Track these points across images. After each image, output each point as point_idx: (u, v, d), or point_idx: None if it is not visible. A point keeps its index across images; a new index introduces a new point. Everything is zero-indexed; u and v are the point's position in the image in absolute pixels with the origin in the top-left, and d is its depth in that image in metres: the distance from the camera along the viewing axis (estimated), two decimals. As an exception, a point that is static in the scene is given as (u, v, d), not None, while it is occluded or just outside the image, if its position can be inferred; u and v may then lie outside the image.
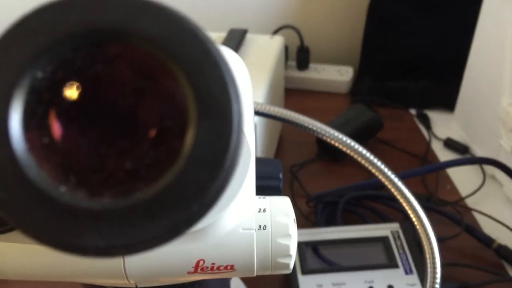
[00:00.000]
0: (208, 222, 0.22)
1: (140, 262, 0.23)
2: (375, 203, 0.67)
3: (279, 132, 0.76)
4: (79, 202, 0.15)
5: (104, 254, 0.16)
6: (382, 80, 0.88)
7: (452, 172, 0.74)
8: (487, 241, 0.62)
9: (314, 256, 0.58)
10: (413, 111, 0.89)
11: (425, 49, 0.86)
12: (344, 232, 0.62)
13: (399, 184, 0.40)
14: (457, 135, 0.80)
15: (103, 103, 0.17)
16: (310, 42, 0.94)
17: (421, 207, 0.40)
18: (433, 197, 0.69)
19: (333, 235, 0.60)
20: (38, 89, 0.15)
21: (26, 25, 0.16)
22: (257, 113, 0.37)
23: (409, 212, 0.40)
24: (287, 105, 0.82)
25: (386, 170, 0.40)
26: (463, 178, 0.73)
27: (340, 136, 0.41)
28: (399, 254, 0.58)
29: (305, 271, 0.53)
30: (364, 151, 0.41)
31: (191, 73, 0.16)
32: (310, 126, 0.42)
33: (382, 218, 0.65)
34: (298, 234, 0.25)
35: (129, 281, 0.24)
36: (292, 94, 0.90)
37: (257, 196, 0.28)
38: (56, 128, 0.16)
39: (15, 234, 0.22)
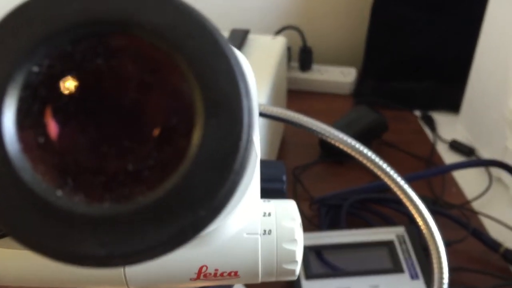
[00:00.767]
0: (212, 227, 0.21)
1: (141, 269, 0.22)
2: (379, 206, 0.66)
3: (281, 133, 0.75)
4: (77, 207, 0.14)
5: (104, 264, 0.15)
6: (385, 81, 0.87)
7: (458, 174, 0.73)
8: (493, 245, 0.61)
9: (317, 261, 0.57)
10: (417, 113, 0.88)
11: (429, 49, 0.86)
12: (348, 236, 0.61)
13: (406, 187, 0.39)
14: (462, 137, 0.79)
15: (104, 100, 0.16)
16: (312, 43, 0.93)
17: (428, 211, 0.39)
18: (439, 200, 0.67)
19: (337, 239, 0.59)
20: (34, 84, 0.15)
21: (21, 14, 0.15)
22: (259, 114, 0.36)
23: (416, 215, 0.39)
24: (289, 107, 0.81)
25: (392, 172, 0.39)
26: (468, 181, 0.72)
27: (345, 137, 0.40)
28: (405, 258, 0.57)
29: (308, 276, 0.52)
30: (370, 153, 0.40)
31: (198, 66, 0.15)
32: (314, 128, 0.41)
33: (386, 222, 0.64)
34: (301, 238, 0.24)
35: (129, 288, 0.22)
36: (294, 95, 0.89)
37: (262, 200, 0.27)
38: (53, 127, 0.15)
39: (10, 239, 0.21)
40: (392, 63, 0.88)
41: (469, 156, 0.77)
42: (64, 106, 0.16)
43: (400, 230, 0.61)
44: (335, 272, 0.57)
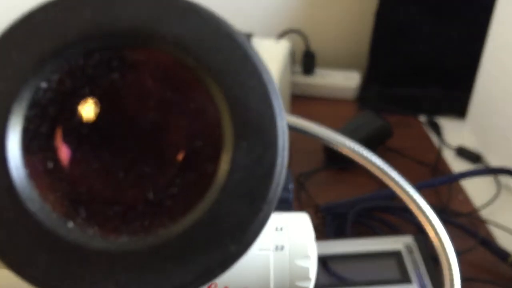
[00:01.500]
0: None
1: None
2: (386, 214, 0.64)
3: (285, 140, 0.73)
4: (90, 241, 0.13)
5: None
6: (390, 86, 0.86)
7: (464, 181, 0.72)
8: (503, 255, 0.60)
9: (323, 271, 0.56)
10: (422, 119, 0.87)
11: (435, 54, 0.85)
12: (354, 245, 0.60)
13: (416, 196, 0.38)
14: (469, 143, 0.78)
15: (121, 120, 0.15)
16: (315, 47, 0.92)
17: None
18: (446, 209, 0.66)
19: (343, 248, 0.58)
20: (42, 102, 0.14)
21: (28, 24, 0.14)
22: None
23: (426, 225, 0.37)
24: (292, 112, 0.80)
25: (401, 180, 0.38)
26: (475, 188, 0.70)
27: (351, 144, 0.39)
28: (413, 269, 0.56)
29: (314, 287, 0.50)
30: (377, 160, 0.39)
31: (226, 83, 0.14)
32: (318, 134, 0.40)
33: (393, 231, 0.63)
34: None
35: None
36: (297, 100, 0.88)
37: (273, 213, 0.26)
38: (63, 151, 0.14)
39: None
40: (397, 68, 0.87)
41: (476, 162, 0.76)
42: (76, 127, 0.14)
43: (408, 239, 0.60)
44: (341, 282, 0.56)
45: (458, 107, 0.80)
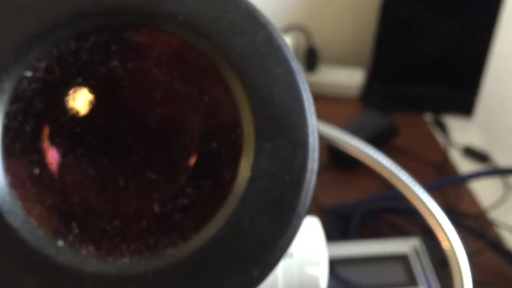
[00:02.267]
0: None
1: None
2: (392, 215, 0.63)
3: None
4: (84, 263, 0.12)
5: None
6: (394, 83, 0.85)
7: (472, 181, 0.70)
8: (512, 258, 0.58)
9: (329, 275, 0.54)
10: (428, 117, 0.86)
11: (441, 51, 0.83)
12: (359, 247, 0.59)
13: (425, 197, 0.37)
14: (476, 142, 0.77)
15: (121, 116, 0.13)
16: (318, 43, 0.91)
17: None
18: (454, 210, 0.64)
19: (349, 250, 0.57)
20: (26, 95, 0.12)
21: (9, 0, 0.12)
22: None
23: (435, 227, 0.37)
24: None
25: (409, 181, 0.37)
26: (482, 188, 0.69)
27: (357, 143, 0.38)
28: (420, 272, 0.54)
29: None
30: (384, 160, 0.37)
31: (247, 71, 0.12)
32: (323, 133, 0.39)
33: (400, 232, 0.61)
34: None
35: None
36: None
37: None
38: (52, 154, 0.12)
39: None
40: (402, 65, 0.85)
41: (483, 162, 0.74)
42: (67, 125, 0.12)
43: (415, 241, 0.59)
44: (346, 286, 0.54)
45: (465, 106, 0.80)
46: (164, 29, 0.12)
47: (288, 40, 0.73)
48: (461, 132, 0.79)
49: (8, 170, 0.12)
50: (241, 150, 0.12)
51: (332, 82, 0.91)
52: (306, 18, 0.97)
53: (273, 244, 0.12)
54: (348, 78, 0.91)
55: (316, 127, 0.12)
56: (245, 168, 0.12)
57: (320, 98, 0.93)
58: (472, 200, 0.66)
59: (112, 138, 0.13)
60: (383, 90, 0.86)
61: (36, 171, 0.12)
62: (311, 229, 0.23)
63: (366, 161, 0.37)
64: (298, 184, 0.12)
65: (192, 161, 0.13)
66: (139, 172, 0.13)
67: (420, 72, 0.85)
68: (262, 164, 0.12)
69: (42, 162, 0.12)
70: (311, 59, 0.91)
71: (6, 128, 0.12)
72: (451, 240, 0.36)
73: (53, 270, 0.11)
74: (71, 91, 0.12)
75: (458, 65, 0.83)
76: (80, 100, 0.12)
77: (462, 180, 0.64)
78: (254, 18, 0.12)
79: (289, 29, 0.91)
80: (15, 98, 0.12)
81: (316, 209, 0.65)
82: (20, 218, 0.11)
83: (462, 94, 0.81)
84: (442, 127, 0.79)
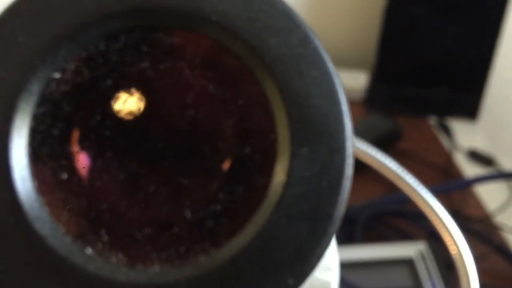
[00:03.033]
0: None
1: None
2: (397, 219, 0.62)
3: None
4: (114, 272, 0.11)
5: None
6: (399, 86, 0.84)
7: (477, 185, 0.70)
8: (519, 263, 0.58)
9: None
10: (432, 120, 0.85)
11: (445, 53, 0.83)
12: (364, 251, 0.58)
13: (432, 201, 0.37)
14: (481, 146, 0.77)
15: (152, 120, 0.12)
16: (322, 45, 0.90)
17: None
18: (459, 214, 0.64)
19: (354, 254, 0.56)
20: (54, 97, 0.12)
21: (37, 0, 0.11)
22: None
23: (442, 232, 0.36)
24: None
25: (417, 185, 0.37)
26: (488, 192, 0.69)
27: (365, 146, 0.38)
28: (426, 277, 0.54)
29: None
30: (392, 164, 0.37)
31: (282, 73, 0.12)
32: None
33: (405, 236, 0.61)
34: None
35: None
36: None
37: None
38: (81, 158, 0.12)
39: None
40: (405, 68, 0.85)
41: (488, 166, 0.74)
42: (97, 129, 0.12)
43: (421, 245, 0.58)
44: (353, 292, 0.54)
45: (469, 109, 0.79)
46: (197, 29, 0.12)
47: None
48: (465, 135, 0.79)
49: (36, 175, 0.11)
50: (276, 155, 0.12)
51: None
52: (310, 21, 0.96)
53: (309, 252, 0.11)
54: (352, 81, 0.91)
55: (352, 132, 0.12)
56: (280, 173, 0.11)
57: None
58: (477, 204, 0.65)
59: (143, 142, 0.12)
60: (387, 93, 0.85)
61: (64, 176, 0.12)
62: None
63: (373, 164, 0.37)
64: (335, 191, 0.12)
65: (225, 166, 0.12)
66: (170, 178, 0.12)
67: (425, 75, 0.85)
68: (298, 169, 0.11)
69: (70, 167, 0.12)
70: (315, 62, 0.90)
71: (33, 132, 0.11)
72: (458, 244, 0.35)
73: (82, 279, 0.11)
74: (100, 94, 0.12)
75: (463, 68, 0.82)
76: (110, 103, 0.12)
77: (467, 184, 0.64)
78: (289, 18, 0.12)
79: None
80: (43, 101, 0.11)
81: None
82: (47, 225, 0.11)
83: (467, 97, 0.81)
84: (447, 130, 0.78)
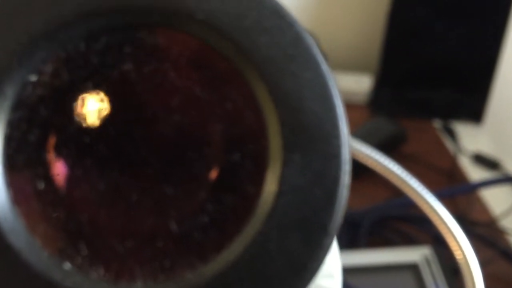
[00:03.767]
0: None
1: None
2: (402, 224, 0.62)
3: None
4: None
5: None
6: (403, 89, 0.84)
7: (482, 189, 0.69)
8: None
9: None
10: (436, 123, 0.85)
11: (450, 56, 0.83)
12: (369, 256, 0.58)
13: (437, 205, 0.36)
14: (486, 149, 0.76)
15: (134, 125, 0.12)
16: (326, 49, 0.90)
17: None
18: (464, 218, 0.64)
19: (357, 259, 0.56)
20: (30, 101, 0.11)
21: None
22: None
23: (448, 237, 0.36)
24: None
25: (421, 189, 0.37)
26: (493, 196, 0.68)
27: (369, 150, 0.37)
28: (431, 282, 0.54)
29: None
30: (396, 168, 0.37)
31: (273, 75, 0.11)
32: None
33: (409, 241, 0.60)
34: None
35: None
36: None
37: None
38: (58, 166, 0.11)
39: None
40: (410, 70, 0.85)
41: (494, 169, 0.73)
42: (76, 135, 0.11)
43: (425, 250, 0.58)
44: (357, 297, 0.54)
45: (474, 111, 0.79)
46: (182, 28, 0.11)
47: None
48: (470, 138, 0.78)
49: (11, 184, 0.11)
50: (267, 163, 0.11)
51: (340, 88, 0.89)
52: (313, 24, 0.96)
53: (303, 266, 0.11)
54: (356, 84, 0.90)
55: (348, 137, 0.11)
56: (272, 182, 0.11)
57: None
58: (482, 208, 0.65)
59: (125, 149, 0.12)
60: (392, 96, 0.85)
61: (41, 185, 0.11)
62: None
63: (377, 168, 0.37)
64: (330, 200, 0.11)
65: (213, 174, 0.12)
66: (155, 187, 0.12)
67: (429, 77, 0.84)
68: (290, 177, 0.11)
69: (47, 176, 0.11)
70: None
71: (8, 138, 0.11)
72: (464, 249, 0.35)
73: None
74: (80, 97, 0.12)
75: (468, 71, 0.82)
76: (90, 107, 0.12)
77: (473, 188, 0.63)
78: (280, 17, 0.11)
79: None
80: (19, 105, 0.11)
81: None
82: (23, 238, 0.11)
83: (472, 100, 0.81)
84: (451, 134, 0.78)
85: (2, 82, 0.11)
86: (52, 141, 0.11)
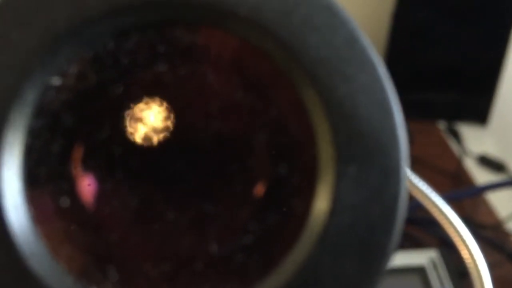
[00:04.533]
0: None
1: None
2: (408, 226, 0.61)
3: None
4: None
5: None
6: (407, 91, 0.83)
7: (488, 192, 0.69)
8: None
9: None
10: (441, 125, 0.85)
11: (455, 57, 0.83)
12: None
13: (446, 208, 0.36)
14: (492, 151, 0.76)
15: (170, 134, 0.11)
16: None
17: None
18: (471, 221, 0.63)
19: None
20: (53, 107, 0.10)
21: None
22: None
23: (456, 240, 0.35)
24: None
25: (429, 191, 0.36)
26: (499, 198, 0.68)
27: None
28: (438, 285, 0.53)
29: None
30: None
31: (324, 78, 0.10)
32: None
33: (416, 244, 0.60)
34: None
35: None
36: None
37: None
38: (85, 181, 0.11)
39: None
40: (415, 72, 0.84)
41: (499, 171, 0.73)
42: (104, 146, 0.10)
43: (432, 253, 0.58)
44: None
45: (479, 113, 0.79)
46: (222, 26, 0.10)
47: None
48: (475, 140, 0.78)
49: (31, 201, 0.10)
50: (317, 176, 0.10)
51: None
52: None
53: None
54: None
55: (407, 148, 0.11)
56: (323, 198, 0.10)
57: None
58: (488, 210, 0.64)
59: (160, 162, 0.11)
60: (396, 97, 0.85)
61: (66, 202, 0.11)
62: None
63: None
64: (389, 219, 0.10)
65: (258, 190, 0.11)
66: (192, 204, 0.11)
67: (434, 79, 0.84)
68: (345, 193, 0.10)
69: (72, 191, 0.11)
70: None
71: (29, 149, 0.10)
72: (472, 252, 0.35)
73: None
74: (109, 102, 0.10)
75: (473, 72, 0.82)
76: (121, 116, 0.11)
77: (479, 191, 0.63)
78: (332, 14, 0.10)
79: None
80: (40, 111, 0.10)
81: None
82: (45, 262, 0.10)
83: (477, 102, 0.81)
84: (456, 136, 0.78)
85: (22, 86, 0.10)
86: (78, 152, 0.10)
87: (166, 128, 0.10)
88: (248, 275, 0.10)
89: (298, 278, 0.10)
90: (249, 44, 0.10)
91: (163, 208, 0.11)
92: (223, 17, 0.10)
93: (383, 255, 0.10)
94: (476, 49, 0.81)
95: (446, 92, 0.83)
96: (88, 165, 0.10)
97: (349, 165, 0.10)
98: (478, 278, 0.33)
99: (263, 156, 0.11)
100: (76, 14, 0.10)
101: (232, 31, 0.10)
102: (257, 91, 0.11)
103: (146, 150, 0.10)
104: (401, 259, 0.57)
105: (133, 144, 0.10)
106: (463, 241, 0.34)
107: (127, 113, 0.10)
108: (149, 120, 0.10)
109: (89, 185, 0.10)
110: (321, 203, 0.10)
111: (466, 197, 0.62)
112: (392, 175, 0.10)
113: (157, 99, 0.10)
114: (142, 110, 0.10)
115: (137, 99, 0.10)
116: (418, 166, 0.74)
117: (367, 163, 0.10)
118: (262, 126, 0.11)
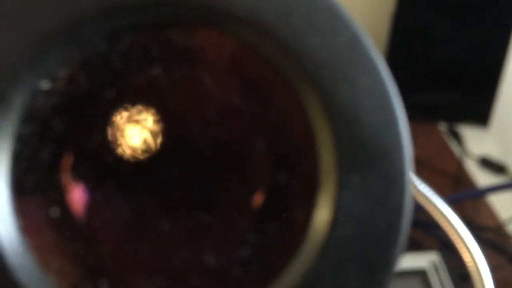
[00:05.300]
0: None
1: None
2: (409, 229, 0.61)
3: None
4: None
5: None
6: (408, 92, 0.83)
7: (489, 194, 0.69)
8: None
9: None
10: (442, 127, 0.85)
11: (455, 58, 0.83)
12: None
13: (447, 210, 0.36)
14: (493, 153, 0.76)
15: (164, 141, 0.10)
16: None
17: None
18: (472, 223, 0.63)
19: None
20: (42, 113, 0.10)
21: None
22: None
23: (457, 242, 0.35)
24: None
25: (430, 193, 0.36)
26: (500, 200, 0.68)
27: None
28: None
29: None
30: None
31: (326, 82, 0.10)
32: None
33: (417, 247, 0.60)
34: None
35: None
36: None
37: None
38: (76, 191, 0.10)
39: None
40: (416, 73, 0.84)
41: (500, 173, 0.73)
42: (96, 153, 0.10)
43: (433, 256, 0.58)
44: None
45: (480, 115, 0.79)
46: (219, 27, 0.10)
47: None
48: (476, 142, 0.78)
49: (20, 211, 0.09)
50: (319, 185, 0.10)
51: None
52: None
53: None
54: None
55: (412, 155, 0.10)
56: (325, 208, 0.09)
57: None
58: (489, 212, 0.64)
59: (154, 170, 0.10)
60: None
61: (56, 212, 0.10)
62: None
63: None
64: (393, 230, 0.10)
65: (257, 199, 0.10)
66: (188, 214, 0.10)
67: (434, 80, 0.84)
68: (347, 203, 0.09)
69: (62, 201, 0.10)
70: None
71: (17, 156, 0.09)
72: (474, 255, 0.35)
73: None
74: (101, 108, 0.10)
75: (474, 73, 0.82)
76: (113, 122, 0.10)
77: (480, 193, 0.63)
78: (334, 15, 0.10)
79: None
80: (29, 117, 0.09)
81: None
82: (34, 275, 0.09)
83: (478, 103, 0.81)
84: (457, 137, 0.78)
85: (9, 90, 0.09)
86: (68, 160, 0.10)
87: (160, 135, 0.10)
88: None
89: None
90: (248, 46, 0.10)
91: (157, 219, 0.10)
92: (220, 18, 0.10)
93: (387, 267, 0.09)
94: (477, 50, 0.81)
95: (447, 94, 0.83)
96: (79, 174, 0.10)
97: (351, 173, 0.09)
98: (479, 281, 0.33)
99: (262, 163, 0.10)
100: (67, 15, 0.09)
101: (229, 32, 0.10)
102: (256, 95, 0.10)
103: (140, 162, 0.10)
104: (402, 262, 0.57)
105: (125, 154, 0.10)
106: (465, 244, 0.34)
107: (114, 122, 0.10)
108: (143, 125, 0.10)
109: (74, 203, 0.10)
110: (323, 214, 0.09)
111: (467, 199, 0.62)
112: (396, 183, 0.10)
113: (151, 104, 0.10)
114: (133, 116, 0.10)
115: (130, 104, 0.10)
116: (418, 168, 0.74)
117: (370, 170, 0.09)
118: (261, 132, 0.10)
